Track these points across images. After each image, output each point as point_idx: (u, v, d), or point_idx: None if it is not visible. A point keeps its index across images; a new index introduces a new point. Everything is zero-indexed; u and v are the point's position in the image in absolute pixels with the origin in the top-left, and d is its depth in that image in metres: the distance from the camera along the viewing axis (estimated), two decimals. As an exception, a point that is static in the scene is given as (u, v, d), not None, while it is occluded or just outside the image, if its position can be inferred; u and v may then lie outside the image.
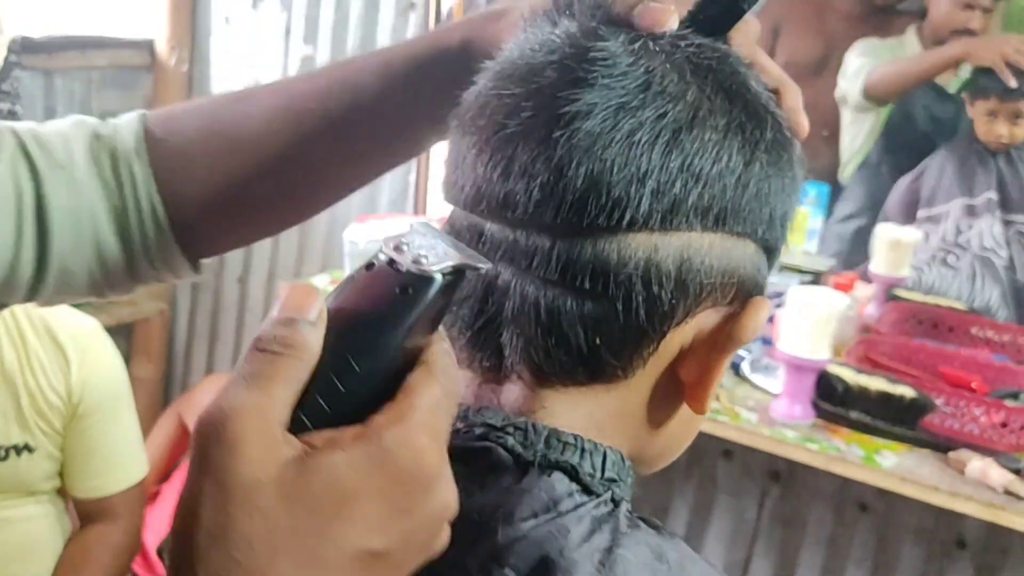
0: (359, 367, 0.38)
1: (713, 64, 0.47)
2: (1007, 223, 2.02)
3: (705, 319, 0.48)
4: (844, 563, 2.10)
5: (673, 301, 0.45)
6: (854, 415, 1.60)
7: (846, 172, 2.17)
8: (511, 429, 0.47)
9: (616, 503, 0.48)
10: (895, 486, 1.48)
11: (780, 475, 2.13)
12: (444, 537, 0.40)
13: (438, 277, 0.39)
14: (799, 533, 2.14)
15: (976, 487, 1.45)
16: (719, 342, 0.48)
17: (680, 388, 0.49)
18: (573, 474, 0.47)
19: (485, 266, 0.41)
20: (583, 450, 0.47)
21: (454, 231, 0.49)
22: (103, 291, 0.66)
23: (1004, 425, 1.54)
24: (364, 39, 2.53)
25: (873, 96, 2.10)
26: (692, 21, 0.49)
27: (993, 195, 2.02)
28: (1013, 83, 1.95)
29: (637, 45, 0.46)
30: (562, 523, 0.45)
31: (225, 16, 2.69)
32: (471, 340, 0.49)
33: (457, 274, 0.40)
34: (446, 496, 0.39)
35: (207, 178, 0.62)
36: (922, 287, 2.06)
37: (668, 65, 0.46)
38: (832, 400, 1.61)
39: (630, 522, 0.47)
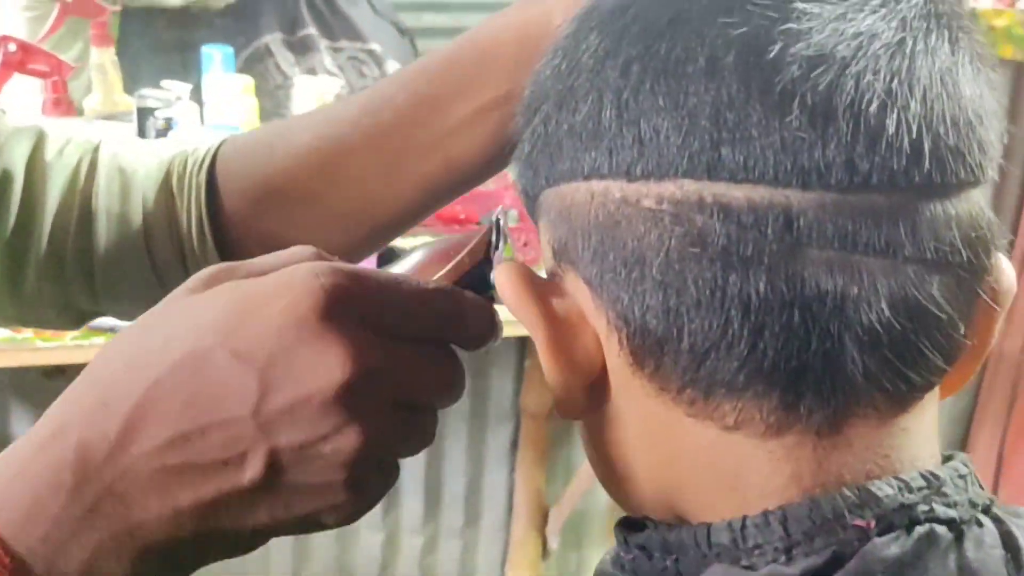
0: None
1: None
2: (335, 51, 2.10)
3: None
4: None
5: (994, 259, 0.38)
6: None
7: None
8: (925, 491, 0.36)
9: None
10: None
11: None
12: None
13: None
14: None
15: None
16: None
17: None
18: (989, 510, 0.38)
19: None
20: (968, 476, 0.39)
21: (708, 224, 0.35)
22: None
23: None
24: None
25: None
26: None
27: (313, 29, 2.08)
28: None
29: None
30: None
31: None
32: (790, 385, 0.36)
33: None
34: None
35: (245, 187, 0.65)
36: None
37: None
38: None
39: None
